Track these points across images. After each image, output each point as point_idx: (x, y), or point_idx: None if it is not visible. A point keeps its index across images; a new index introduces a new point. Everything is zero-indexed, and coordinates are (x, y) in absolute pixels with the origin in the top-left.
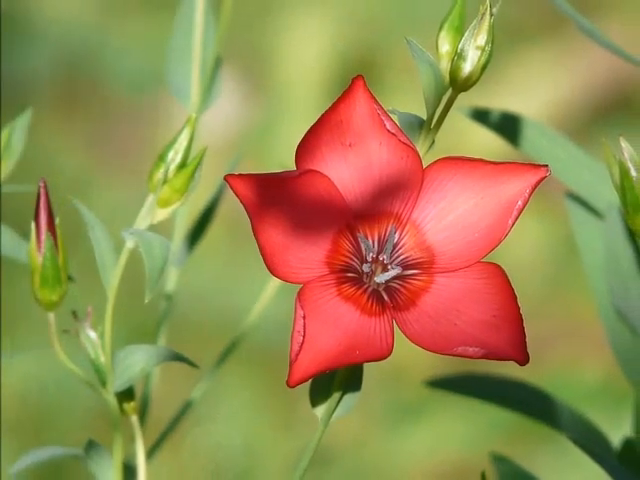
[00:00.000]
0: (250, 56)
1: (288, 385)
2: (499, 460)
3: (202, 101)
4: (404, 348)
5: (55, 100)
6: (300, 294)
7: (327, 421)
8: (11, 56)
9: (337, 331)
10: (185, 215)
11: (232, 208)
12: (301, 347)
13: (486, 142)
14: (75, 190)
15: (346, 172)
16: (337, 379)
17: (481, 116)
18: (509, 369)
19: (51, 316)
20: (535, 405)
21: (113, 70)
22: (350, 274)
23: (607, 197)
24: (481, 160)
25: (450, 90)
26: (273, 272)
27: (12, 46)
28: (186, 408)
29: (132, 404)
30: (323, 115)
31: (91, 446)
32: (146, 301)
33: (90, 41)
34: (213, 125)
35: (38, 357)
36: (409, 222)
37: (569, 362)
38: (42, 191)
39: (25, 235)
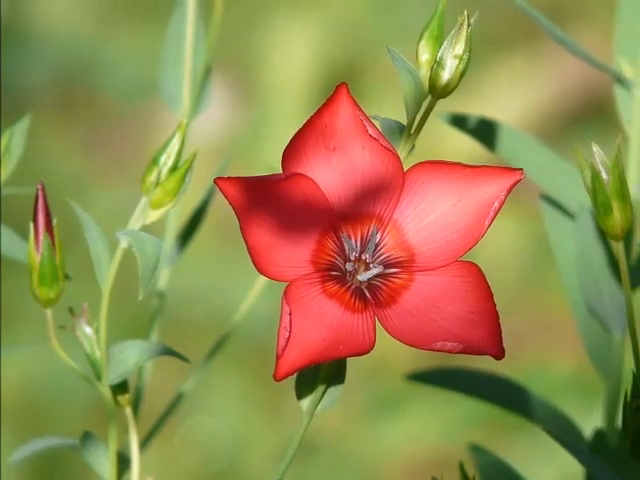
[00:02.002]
0: (238, 63)
1: (275, 379)
2: (477, 450)
3: (193, 107)
4: (385, 343)
5: (53, 106)
6: (286, 292)
7: (312, 413)
8: (11, 64)
9: (322, 327)
10: (176, 216)
11: (222, 209)
12: (287, 342)
13: (464, 146)
14: (72, 192)
15: (330, 175)
16: (322, 373)
17: (459, 121)
18: (486, 363)
19: (48, 313)
20: (511, 397)
21: (109, 78)
22: (334, 272)
23: (579, 199)
24: (459, 164)
25: (429, 97)
26: (260, 271)
27: (12, 55)
28: (178, 400)
29: (126, 396)
30: (308, 120)
31: (87, 437)
32: (140, 298)
33: (87, 50)
34: (203, 130)
35: (36, 352)
36: (390, 223)
37: (543, 356)
38: (40, 193)
39: (24, 235)
